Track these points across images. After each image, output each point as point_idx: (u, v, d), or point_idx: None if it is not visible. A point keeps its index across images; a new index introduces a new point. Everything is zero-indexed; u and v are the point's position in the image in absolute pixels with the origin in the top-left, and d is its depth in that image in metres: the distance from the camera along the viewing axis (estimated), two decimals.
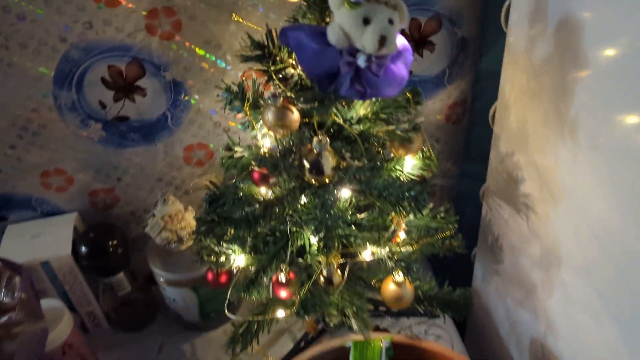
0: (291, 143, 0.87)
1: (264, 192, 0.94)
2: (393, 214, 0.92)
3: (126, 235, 1.24)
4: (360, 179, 0.84)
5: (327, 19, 0.81)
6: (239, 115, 0.93)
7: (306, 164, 0.81)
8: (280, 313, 1.03)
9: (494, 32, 1.19)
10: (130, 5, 1.01)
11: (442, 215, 1.02)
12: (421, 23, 1.19)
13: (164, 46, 1.08)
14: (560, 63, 0.83)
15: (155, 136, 1.20)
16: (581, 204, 0.85)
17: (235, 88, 0.90)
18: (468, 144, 1.44)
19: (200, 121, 1.21)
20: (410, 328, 1.28)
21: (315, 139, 0.79)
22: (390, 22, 0.70)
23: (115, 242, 1.20)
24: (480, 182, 1.26)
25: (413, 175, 0.96)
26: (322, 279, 0.91)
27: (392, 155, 0.96)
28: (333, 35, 0.70)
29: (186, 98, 1.16)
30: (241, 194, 0.97)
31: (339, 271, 0.92)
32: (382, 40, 0.68)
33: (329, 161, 0.81)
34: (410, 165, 0.97)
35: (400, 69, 0.75)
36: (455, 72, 1.28)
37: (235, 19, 1.05)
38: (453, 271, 1.32)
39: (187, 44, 1.09)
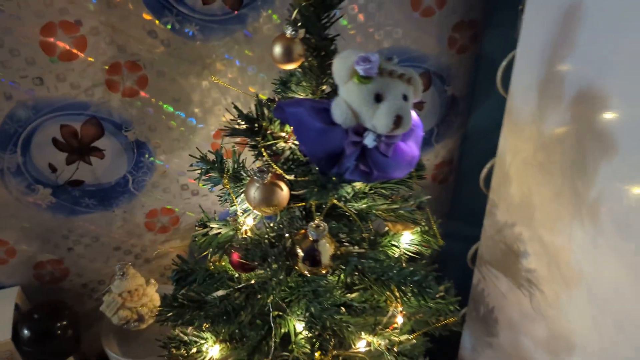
0: (281, 225, 0.75)
1: None
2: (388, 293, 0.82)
3: (76, 313, 1.08)
4: (364, 269, 0.73)
5: (323, 87, 0.71)
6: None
7: (299, 253, 0.70)
8: None
9: (484, 90, 1.12)
10: (89, 59, 0.88)
11: (442, 294, 0.92)
12: None
13: (126, 103, 0.95)
14: (578, 137, 0.75)
15: (113, 201, 1.06)
16: (603, 292, 0.77)
17: (212, 157, 0.78)
18: (454, 203, 1.36)
19: (165, 184, 1.07)
20: None
21: (311, 225, 0.68)
22: (405, 98, 0.60)
23: (63, 323, 1.04)
24: (466, 241, 1.18)
25: (410, 251, 0.87)
26: None
27: (387, 229, 0.87)
28: (339, 113, 0.59)
29: (150, 159, 1.03)
30: (214, 270, 0.85)
31: None
32: (398, 121, 0.58)
33: (326, 249, 0.69)
34: (407, 240, 0.87)
35: (412, 148, 0.65)
36: (443, 130, 1.20)
37: (214, 80, 0.93)
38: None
39: (153, 100, 0.97)
